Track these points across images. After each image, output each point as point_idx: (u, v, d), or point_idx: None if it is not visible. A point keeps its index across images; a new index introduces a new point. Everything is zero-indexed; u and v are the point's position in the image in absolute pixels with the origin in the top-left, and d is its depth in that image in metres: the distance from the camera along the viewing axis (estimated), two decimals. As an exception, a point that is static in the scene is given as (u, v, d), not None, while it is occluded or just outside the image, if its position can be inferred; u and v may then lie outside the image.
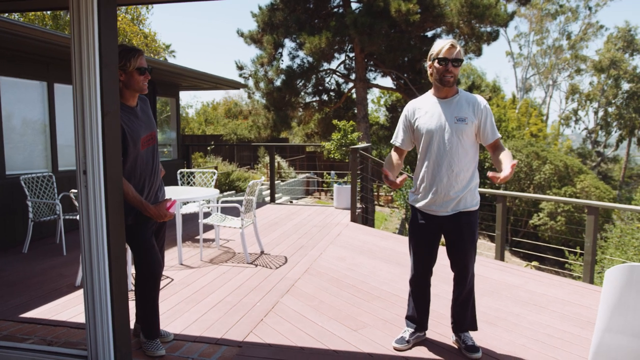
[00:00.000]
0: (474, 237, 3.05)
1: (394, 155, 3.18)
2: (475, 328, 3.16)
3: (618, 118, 37.38)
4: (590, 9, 38.40)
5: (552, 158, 21.54)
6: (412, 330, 3.21)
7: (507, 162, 2.76)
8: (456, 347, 3.15)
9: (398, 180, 2.89)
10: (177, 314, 3.71)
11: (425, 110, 3.02)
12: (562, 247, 13.80)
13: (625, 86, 37.40)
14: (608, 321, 2.62)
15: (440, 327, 3.46)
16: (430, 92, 3.09)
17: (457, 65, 2.89)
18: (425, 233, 3.09)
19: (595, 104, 39.21)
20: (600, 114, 39.22)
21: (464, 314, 3.12)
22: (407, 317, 3.29)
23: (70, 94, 7.55)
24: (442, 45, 2.89)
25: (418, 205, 3.08)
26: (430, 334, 3.32)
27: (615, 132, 38.85)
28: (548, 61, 40.67)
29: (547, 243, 19.84)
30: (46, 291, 4.24)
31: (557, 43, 39.82)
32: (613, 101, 37.79)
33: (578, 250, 11.75)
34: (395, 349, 3.12)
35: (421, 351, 3.10)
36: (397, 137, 3.17)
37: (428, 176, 3.00)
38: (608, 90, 37.70)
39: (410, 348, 3.14)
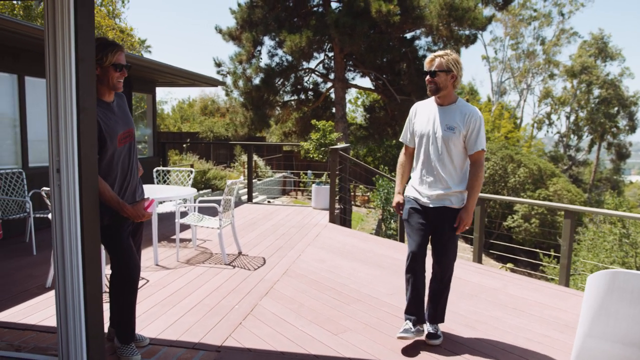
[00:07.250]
0: (454, 233, 3.18)
1: (401, 158, 3.42)
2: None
3: (589, 123, 38.27)
4: (563, 15, 39.22)
5: (527, 161, 21.92)
6: (413, 321, 3.19)
7: (465, 208, 3.10)
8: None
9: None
10: (153, 316, 3.60)
11: (423, 114, 3.22)
12: (536, 250, 14.00)
13: (596, 92, 38.31)
14: (590, 326, 2.62)
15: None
16: (434, 97, 3.23)
17: (435, 76, 3.05)
18: (412, 220, 3.22)
19: (568, 109, 40.05)
20: (572, 118, 40.09)
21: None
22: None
23: (42, 87, 7.26)
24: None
25: (407, 193, 3.32)
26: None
27: (586, 136, 39.76)
28: (522, 65, 41.37)
29: (520, 245, 20.15)
30: (14, 292, 4.07)
31: (531, 48, 40.54)
32: (584, 106, 38.67)
33: (552, 253, 11.93)
34: (400, 337, 3.10)
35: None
36: (404, 136, 3.39)
37: (416, 174, 3.24)
38: (580, 96, 38.56)
39: (413, 339, 3.19)
